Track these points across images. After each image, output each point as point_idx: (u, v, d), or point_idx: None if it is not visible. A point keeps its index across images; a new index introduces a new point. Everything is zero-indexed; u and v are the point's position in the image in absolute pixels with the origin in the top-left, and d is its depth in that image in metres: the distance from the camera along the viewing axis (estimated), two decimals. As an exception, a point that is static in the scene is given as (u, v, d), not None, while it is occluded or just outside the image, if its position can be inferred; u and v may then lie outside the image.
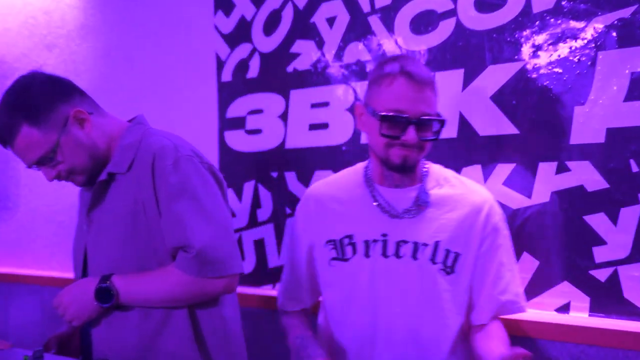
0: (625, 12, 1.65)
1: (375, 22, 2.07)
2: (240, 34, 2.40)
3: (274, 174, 2.30)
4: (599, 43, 1.69)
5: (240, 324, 1.77)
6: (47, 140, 1.56)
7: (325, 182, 1.72)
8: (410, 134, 1.45)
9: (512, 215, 1.80)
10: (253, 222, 2.36)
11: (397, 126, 1.46)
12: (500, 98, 1.83)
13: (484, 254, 1.55)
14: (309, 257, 1.68)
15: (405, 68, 1.47)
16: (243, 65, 2.39)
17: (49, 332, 1.81)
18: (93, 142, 1.63)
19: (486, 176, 1.86)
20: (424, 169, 1.62)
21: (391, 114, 1.45)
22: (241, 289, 2.20)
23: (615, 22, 1.66)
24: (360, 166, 1.69)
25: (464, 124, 1.90)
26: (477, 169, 1.88)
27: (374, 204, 1.58)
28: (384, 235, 1.56)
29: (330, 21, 2.16)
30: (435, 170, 1.64)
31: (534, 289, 1.79)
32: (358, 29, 2.10)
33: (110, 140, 1.66)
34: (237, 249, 1.61)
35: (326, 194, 1.67)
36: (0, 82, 3.25)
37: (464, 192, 1.59)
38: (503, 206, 1.76)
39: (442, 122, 1.50)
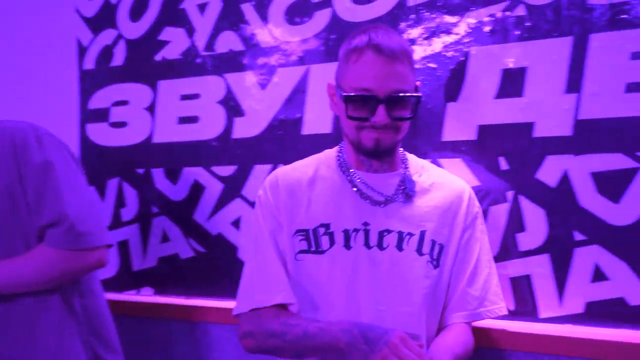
0: (497, 8, 1.59)
1: (248, 10, 1.92)
2: (104, 19, 2.19)
3: (140, 171, 2.10)
4: (471, 39, 1.61)
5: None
6: None
7: (293, 167, 1.46)
8: (380, 115, 1.27)
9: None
10: (117, 222, 2.14)
11: (365, 106, 1.29)
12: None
13: (464, 247, 1.39)
14: (277, 249, 1.41)
15: (374, 40, 1.28)
16: (107, 53, 2.18)
17: None
18: None
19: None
20: (401, 154, 1.44)
21: (356, 93, 1.28)
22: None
23: (488, 17, 1.60)
24: (330, 152, 1.47)
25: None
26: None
27: (353, 189, 1.37)
28: (366, 224, 1.35)
29: (202, 7, 1.99)
30: (412, 157, 1.47)
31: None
32: (231, 17, 1.95)
33: None
34: (104, 222, 1.56)
35: (296, 179, 1.42)
36: None
37: (444, 181, 1.43)
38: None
39: (418, 98, 1.32)
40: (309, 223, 1.37)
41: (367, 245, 1.34)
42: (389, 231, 1.34)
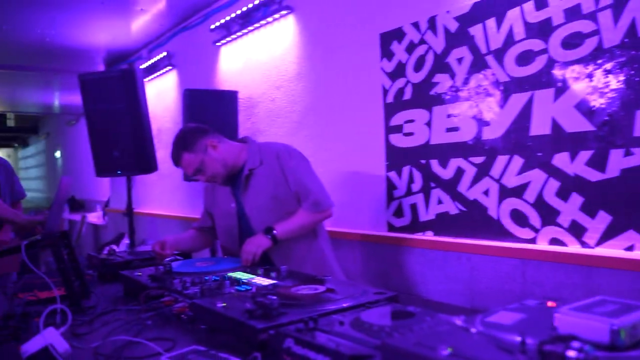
0: None
1: (491, 59, 2.22)
2: (398, 71, 2.62)
3: (423, 161, 2.54)
4: None
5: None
6: (197, 159, 2.01)
7: None
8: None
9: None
10: (408, 192, 2.59)
11: None
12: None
13: None
14: None
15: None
16: (400, 92, 2.62)
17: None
18: (223, 158, 2.04)
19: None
20: None
21: None
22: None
23: None
24: None
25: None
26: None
27: None
28: None
29: (459, 60, 2.36)
30: None
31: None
32: (477, 65, 2.27)
33: (235, 156, 2.06)
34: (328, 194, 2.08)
35: None
36: (249, 111, 3.78)
37: None
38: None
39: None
40: None
41: None
42: None
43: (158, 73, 5.17)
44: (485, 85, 2.27)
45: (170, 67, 4.97)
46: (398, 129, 2.67)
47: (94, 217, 7.43)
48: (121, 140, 3.61)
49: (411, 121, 2.61)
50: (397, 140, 2.69)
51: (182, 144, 2.04)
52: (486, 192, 2.29)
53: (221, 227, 2.21)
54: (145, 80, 4.66)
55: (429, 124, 2.52)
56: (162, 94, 5.25)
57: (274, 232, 1.97)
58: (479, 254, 2.28)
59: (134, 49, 5.48)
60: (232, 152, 2.10)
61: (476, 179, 2.33)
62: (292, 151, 2.11)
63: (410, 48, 2.59)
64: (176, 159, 2.05)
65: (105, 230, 7.07)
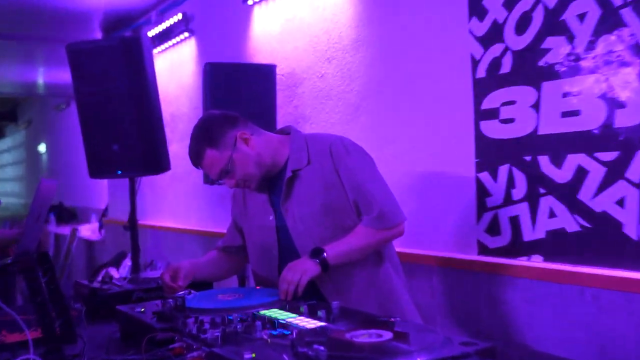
0: None
1: (628, 14, 2.15)
2: (493, 35, 2.60)
3: (528, 158, 2.50)
4: None
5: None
6: (223, 156, 2.03)
7: None
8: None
9: None
10: (507, 200, 2.57)
11: None
12: None
13: None
14: None
15: None
16: (496, 63, 2.60)
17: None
18: (258, 155, 2.07)
19: None
20: None
21: None
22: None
23: None
24: None
25: None
26: None
27: None
28: None
29: (581, 17, 2.30)
30: None
31: None
32: (608, 22, 2.20)
33: (273, 152, 2.12)
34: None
35: None
36: (291, 91, 3.84)
37: None
38: None
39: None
40: None
41: None
42: None
43: (172, 42, 5.30)
44: (620, 51, 2.21)
45: (187, 34, 5.08)
46: (493, 113, 2.65)
47: (88, 230, 7.68)
48: (122, 131, 3.69)
49: (511, 103, 2.58)
50: (492, 129, 2.66)
51: (205, 137, 2.07)
52: (620, 202, 2.23)
53: (254, 247, 2.25)
54: (154, 51, 4.75)
55: (536, 106, 2.48)
56: (176, 69, 5.37)
57: (324, 254, 1.98)
58: (611, 289, 2.23)
59: (140, 9, 5.62)
60: (269, 147, 2.14)
61: (606, 184, 2.27)
62: (350, 145, 2.13)
63: (511, 2, 2.55)
64: (196, 157, 2.09)
65: (102, 247, 7.30)
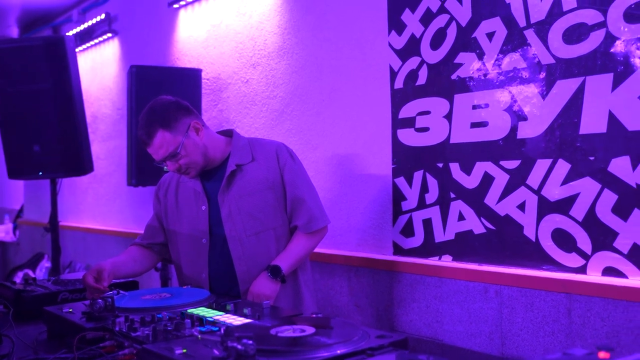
0: None
1: (530, 35, 2.27)
2: (410, 49, 2.67)
3: (440, 165, 2.59)
4: None
5: None
6: (175, 140, 2.07)
7: None
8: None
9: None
10: (422, 204, 2.65)
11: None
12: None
13: None
14: None
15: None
16: (413, 75, 2.68)
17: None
18: (204, 146, 2.14)
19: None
20: None
21: None
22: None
23: None
24: None
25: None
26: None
27: None
28: None
29: (490, 36, 2.41)
30: None
31: None
32: (513, 41, 2.32)
33: (217, 148, 2.18)
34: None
35: None
36: (216, 95, 3.81)
37: None
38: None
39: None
40: None
41: None
42: None
43: (94, 41, 5.17)
44: (523, 68, 2.32)
45: (110, 35, 4.97)
46: (409, 122, 2.73)
47: (2, 231, 7.41)
48: (44, 132, 3.61)
49: (426, 113, 2.66)
50: (408, 137, 2.73)
51: (159, 118, 2.10)
52: (522, 207, 2.34)
53: (182, 239, 2.26)
54: (76, 50, 4.61)
55: (449, 116, 2.58)
56: (98, 70, 5.24)
57: (283, 272, 2.13)
58: (512, 286, 2.33)
59: (60, 7, 5.45)
60: (214, 141, 2.22)
61: (509, 189, 2.38)
62: (292, 152, 2.29)
63: (427, 18, 2.64)
64: (147, 136, 2.09)
65: (16, 248, 7.01)
